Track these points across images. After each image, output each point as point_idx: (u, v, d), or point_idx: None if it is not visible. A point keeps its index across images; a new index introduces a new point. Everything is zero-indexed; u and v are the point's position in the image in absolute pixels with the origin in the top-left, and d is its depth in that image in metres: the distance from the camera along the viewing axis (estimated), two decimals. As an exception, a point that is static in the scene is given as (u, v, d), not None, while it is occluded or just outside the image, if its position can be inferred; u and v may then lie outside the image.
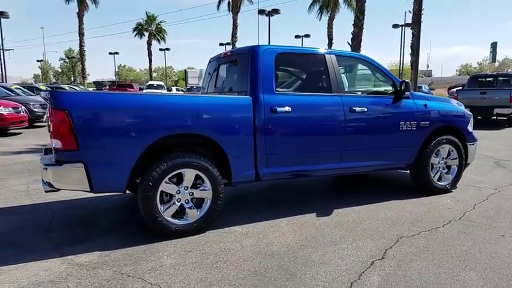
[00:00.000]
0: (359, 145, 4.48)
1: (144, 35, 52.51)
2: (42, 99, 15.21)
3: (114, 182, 3.44)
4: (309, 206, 4.59)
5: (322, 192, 5.55)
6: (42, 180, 3.46)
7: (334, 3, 30.77)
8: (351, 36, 13.72)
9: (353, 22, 13.55)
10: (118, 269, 3.04)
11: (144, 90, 32.42)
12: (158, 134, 3.49)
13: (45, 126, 14.63)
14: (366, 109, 4.44)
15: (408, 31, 31.71)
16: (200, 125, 3.68)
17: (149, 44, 52.87)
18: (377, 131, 4.59)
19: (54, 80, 78.96)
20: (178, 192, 3.64)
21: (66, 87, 25.57)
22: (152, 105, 3.55)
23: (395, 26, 40.95)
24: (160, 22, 52.99)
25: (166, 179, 3.55)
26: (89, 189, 3.34)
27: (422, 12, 16.27)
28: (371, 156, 4.62)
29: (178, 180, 3.66)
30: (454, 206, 4.60)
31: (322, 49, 4.46)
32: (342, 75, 4.51)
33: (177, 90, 43.12)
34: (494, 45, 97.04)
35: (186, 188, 3.68)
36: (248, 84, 4.00)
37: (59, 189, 3.45)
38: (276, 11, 32.91)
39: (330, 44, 32.82)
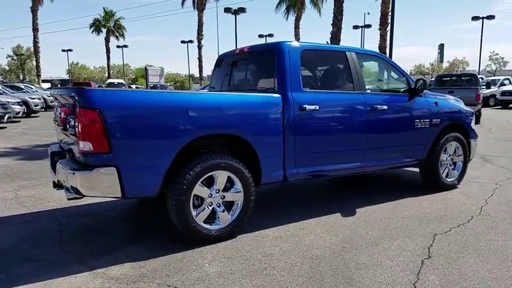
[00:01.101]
0: (379, 143, 4.45)
1: (102, 32, 50.54)
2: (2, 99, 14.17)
3: (148, 186, 3.18)
4: (328, 205, 4.50)
5: (334, 191, 5.49)
6: (65, 187, 3.13)
7: (300, 4, 31.01)
8: (330, 35, 13.91)
9: (332, 22, 13.68)
10: (162, 281, 2.80)
11: None
12: (195, 134, 3.27)
13: (5, 127, 13.68)
14: (385, 107, 4.41)
15: (369, 32, 32.55)
16: (234, 124, 3.49)
17: (107, 40, 50.96)
18: (395, 128, 4.58)
19: (1, 79, 74.19)
20: (210, 195, 3.43)
21: (22, 85, 24.00)
22: (189, 103, 3.30)
23: (355, 27, 42.14)
24: (119, 18, 51.22)
25: (199, 182, 3.33)
26: (120, 195, 3.05)
27: (388, 14, 16.79)
28: (389, 153, 4.61)
29: (209, 183, 3.44)
30: (467, 201, 4.67)
31: (344, 46, 4.39)
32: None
33: (136, 88, 41.95)
34: (441, 47, 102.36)
35: (217, 191, 3.47)
36: (275, 82, 3.84)
37: (83, 196, 3.13)
38: (242, 10, 32.74)
39: (297, 43, 33.03)
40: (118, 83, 37.19)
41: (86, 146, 2.91)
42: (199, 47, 35.72)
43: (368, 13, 47.53)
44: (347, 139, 4.20)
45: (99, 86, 36.08)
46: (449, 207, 4.46)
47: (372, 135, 4.34)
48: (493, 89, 23.12)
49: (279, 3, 33.28)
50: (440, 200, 4.73)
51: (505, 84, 23.88)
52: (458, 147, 5.24)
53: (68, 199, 3.15)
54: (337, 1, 12.84)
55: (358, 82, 4.30)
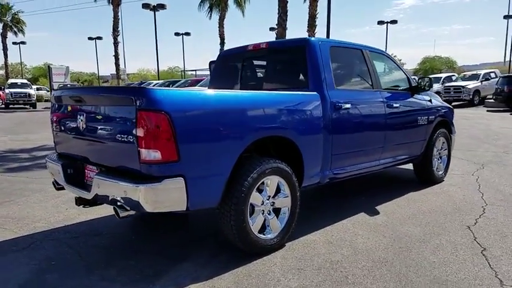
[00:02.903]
0: (394, 140, 4.54)
1: (-3, 26, 45.15)
2: None
3: (211, 197, 2.84)
4: (346, 205, 4.48)
5: (339, 191, 5.47)
6: (117, 203, 2.64)
7: (224, 3, 30.85)
8: (275, 36, 13.98)
9: (277, 22, 13.81)
10: (251, 302, 2.50)
11: (6, 90, 27.82)
12: (254, 136, 3.00)
13: None
14: (397, 104, 4.52)
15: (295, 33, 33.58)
16: (283, 125, 3.28)
17: (4, 36, 45.67)
18: (404, 125, 4.72)
19: None
20: (262, 202, 3.17)
21: None
22: (248, 104, 3.03)
23: (272, 29, 43.20)
24: (18, 12, 46.18)
25: (255, 189, 3.06)
26: (184, 209, 2.67)
27: (316, 16, 17.48)
28: (399, 150, 4.73)
29: (260, 189, 3.19)
30: (465, 193, 4.97)
31: (359, 44, 4.39)
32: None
33: (38, 89, 38.14)
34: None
35: (268, 198, 3.23)
36: (310, 80, 3.69)
37: (139, 212, 2.68)
38: (161, 6, 31.58)
39: (222, 43, 32.82)
40: (22, 83, 33.39)
41: (151, 154, 2.49)
42: (116, 44, 33.63)
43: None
44: (371, 137, 4.22)
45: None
46: (454, 199, 4.70)
47: (389, 133, 4.41)
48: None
49: (201, 2, 32.78)
50: (440, 193, 4.97)
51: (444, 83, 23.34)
52: (444, 142, 5.58)
53: (121, 217, 2.65)
54: (281, 1, 13.01)
55: (375, 80, 4.34)
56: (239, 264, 3.02)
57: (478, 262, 3.02)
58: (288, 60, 4.05)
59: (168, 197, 2.57)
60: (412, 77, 6.42)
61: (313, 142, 3.54)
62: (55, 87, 37.19)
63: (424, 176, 5.39)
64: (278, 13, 13.21)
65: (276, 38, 13.89)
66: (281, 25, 13.06)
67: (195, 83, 15.31)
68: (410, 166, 5.57)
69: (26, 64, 77.27)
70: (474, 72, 24.46)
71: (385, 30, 39.99)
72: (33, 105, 26.46)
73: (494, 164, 6.63)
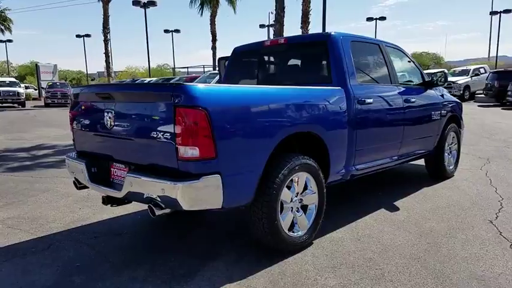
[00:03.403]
0: (411, 135, 4.52)
1: (-17, 24, 44.14)
2: None
3: (245, 194, 2.78)
4: (365, 201, 4.47)
5: (356, 187, 5.45)
6: (152, 202, 2.55)
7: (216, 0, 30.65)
8: (273, 32, 13.90)
9: (274, 19, 13.76)
10: (293, 302, 2.45)
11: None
12: (287, 131, 2.96)
13: None
14: (414, 99, 4.50)
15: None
16: (312, 120, 3.23)
17: (-10, 34, 44.72)
18: (420, 120, 4.70)
19: None
20: (291, 199, 3.12)
21: None
22: (282, 99, 2.97)
23: (262, 26, 43.15)
24: (4, 10, 45.20)
25: (285, 186, 3.01)
26: (220, 207, 2.61)
27: (309, 13, 17.42)
28: (415, 145, 4.72)
29: (289, 186, 3.13)
30: (479, 187, 4.98)
31: (377, 39, 4.35)
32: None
33: (26, 88, 37.55)
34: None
35: (296, 195, 3.18)
36: (333, 75, 3.64)
37: (174, 210, 2.61)
38: (152, 3, 31.21)
39: (214, 40, 32.58)
40: (10, 81, 32.74)
41: (189, 151, 2.41)
42: (106, 42, 33.10)
43: (272, 12, 48.93)
44: (391, 132, 4.21)
45: None
46: (469, 194, 4.71)
47: (406, 128, 4.40)
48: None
49: (192, -2, 32.43)
50: (454, 188, 4.98)
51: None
52: (454, 137, 5.59)
53: (155, 215, 2.57)
54: (278, -2, 12.99)
55: (393, 74, 4.32)
56: (271, 262, 2.96)
57: (510, 257, 3.02)
58: (309, 55, 4.00)
59: (205, 194, 2.50)
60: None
61: (339, 138, 3.50)
62: (43, 85, 36.64)
63: (436, 171, 5.39)
64: (275, 9, 13.16)
65: (274, 35, 13.83)
66: (279, 22, 13.02)
67: (190, 80, 15.18)
68: (417, 161, 5.58)
69: (11, 62, 75.90)
70: (464, 67, 24.75)
71: (371, 27, 40.38)
72: (23, 104, 26.00)
73: (498, 159, 6.68)
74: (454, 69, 26.03)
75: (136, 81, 22.61)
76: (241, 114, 2.67)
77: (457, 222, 3.77)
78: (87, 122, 3.23)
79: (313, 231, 3.29)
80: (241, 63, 4.55)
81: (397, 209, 4.20)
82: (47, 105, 27.34)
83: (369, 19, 41.40)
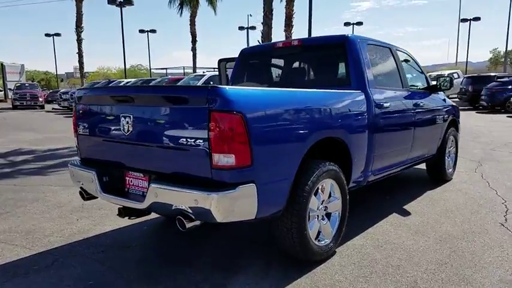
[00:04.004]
0: (420, 139, 4.49)
1: None
2: None
3: (277, 203, 2.63)
4: (371, 206, 4.41)
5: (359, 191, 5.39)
6: (179, 214, 2.36)
7: (196, 0, 30.19)
8: (261, 34, 13.80)
9: (262, 21, 13.66)
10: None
11: None
12: (315, 138, 2.83)
13: None
14: (422, 103, 4.49)
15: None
16: (338, 125, 3.13)
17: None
18: (427, 124, 4.68)
19: None
20: (317, 207, 3.00)
21: None
22: (312, 103, 2.85)
23: (241, 28, 43.15)
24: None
25: (313, 194, 2.88)
26: (253, 217, 2.45)
27: (293, 16, 17.49)
28: (423, 149, 4.71)
29: (315, 193, 3.01)
30: (479, 190, 5.02)
31: (387, 42, 4.31)
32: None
33: None
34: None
35: (322, 202, 3.06)
36: (352, 78, 3.56)
37: (210, 222, 2.42)
38: (128, 2, 30.43)
39: (194, 41, 32.07)
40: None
41: (224, 159, 2.25)
42: (79, 41, 32.09)
43: (250, 15, 49.33)
44: (404, 137, 4.17)
45: None
46: (473, 197, 4.73)
47: (416, 131, 4.37)
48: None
49: (171, -2, 31.79)
50: (456, 191, 4.99)
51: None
52: (452, 140, 5.64)
53: (185, 229, 2.37)
54: (266, 0, 12.89)
55: (404, 79, 4.29)
56: (299, 274, 2.83)
57: (534, 261, 3.01)
58: (325, 57, 3.90)
59: (241, 205, 2.34)
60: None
61: (360, 142, 3.42)
62: (10, 86, 35.11)
63: (437, 175, 5.41)
64: (263, 12, 13.12)
65: (262, 37, 13.77)
66: (267, 23, 12.99)
67: (173, 82, 14.87)
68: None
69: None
70: (439, 72, 25.57)
71: (345, 31, 40.95)
72: (-10, 107, 24.83)
73: (489, 161, 6.81)
74: (429, 73, 26.90)
75: (113, 82, 21.87)
76: (276, 118, 2.53)
77: (470, 226, 3.75)
78: (96, 126, 2.99)
79: (337, 239, 3.18)
80: (250, 65, 4.40)
81: (408, 213, 4.15)
82: (15, 107, 26.30)
83: (347, 24, 42.09)
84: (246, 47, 4.42)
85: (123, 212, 2.85)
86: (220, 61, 5.33)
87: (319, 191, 3.00)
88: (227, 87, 2.31)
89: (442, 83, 4.83)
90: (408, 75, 4.73)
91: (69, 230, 3.81)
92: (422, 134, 4.55)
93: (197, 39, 32.18)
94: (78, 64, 34.09)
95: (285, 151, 2.60)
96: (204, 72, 15.80)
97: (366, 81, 3.55)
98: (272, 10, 13.26)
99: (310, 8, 13.67)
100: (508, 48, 38.77)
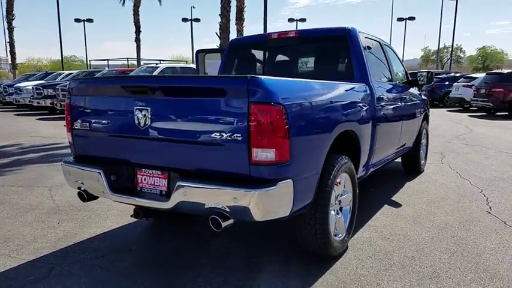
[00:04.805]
0: (406, 131, 4.62)
1: None
2: None
3: (307, 198, 2.54)
4: (360, 197, 4.47)
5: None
6: (212, 213, 2.20)
7: (140, -12, 28.97)
8: (219, 26, 13.40)
9: (220, 12, 13.27)
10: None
11: None
12: (339, 130, 2.79)
13: None
14: (407, 97, 4.62)
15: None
16: (353, 117, 3.12)
17: None
18: (411, 117, 4.84)
19: None
20: (334, 202, 2.97)
21: None
22: (339, 95, 2.80)
23: (184, 20, 42.24)
24: None
25: (333, 188, 2.84)
26: (288, 214, 2.35)
27: (244, 10, 17.40)
28: (405, 141, 4.84)
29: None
30: (451, 180, 5.28)
31: (376, 36, 4.36)
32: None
33: None
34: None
35: (337, 196, 3.03)
36: (355, 71, 3.56)
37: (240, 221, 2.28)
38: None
39: (138, 32, 30.72)
40: None
41: (263, 154, 2.12)
42: (10, 29, 29.56)
43: (193, 7, 48.46)
44: (396, 129, 4.26)
45: None
46: (450, 187, 4.96)
47: (403, 124, 4.48)
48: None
49: (114, -14, 30.28)
50: (433, 182, 5.22)
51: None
52: (424, 133, 5.89)
53: (220, 229, 2.20)
54: (215, -7, 12.70)
55: (393, 72, 4.37)
56: (322, 270, 2.78)
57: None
58: (326, 50, 3.86)
59: (279, 202, 2.23)
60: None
61: (367, 135, 3.43)
62: None
63: (412, 167, 5.62)
64: (221, 4, 12.83)
65: (220, 29, 13.45)
66: (225, 16, 12.74)
67: (121, 73, 14.22)
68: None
69: None
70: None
71: (284, 28, 41.53)
72: None
73: (450, 152, 7.23)
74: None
75: (51, 75, 20.25)
76: (310, 110, 2.44)
77: (461, 215, 3.92)
78: (99, 121, 2.71)
79: (349, 233, 3.17)
80: (242, 56, 4.24)
81: (399, 205, 4.26)
82: None
83: (290, 20, 42.66)
84: (236, 37, 4.26)
85: (141, 212, 2.61)
86: (198, 52, 5.12)
87: (335, 185, 2.97)
88: (267, 77, 2.18)
89: (420, 78, 5.00)
90: (395, 70, 4.84)
91: (53, 234, 3.45)
92: (407, 126, 4.69)
93: (141, 29, 31.03)
94: (8, 54, 31.47)
95: (316, 144, 2.53)
96: (156, 65, 15.18)
97: (368, 74, 3.56)
98: (230, 2, 13.07)
99: (265, 3, 13.67)
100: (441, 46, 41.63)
